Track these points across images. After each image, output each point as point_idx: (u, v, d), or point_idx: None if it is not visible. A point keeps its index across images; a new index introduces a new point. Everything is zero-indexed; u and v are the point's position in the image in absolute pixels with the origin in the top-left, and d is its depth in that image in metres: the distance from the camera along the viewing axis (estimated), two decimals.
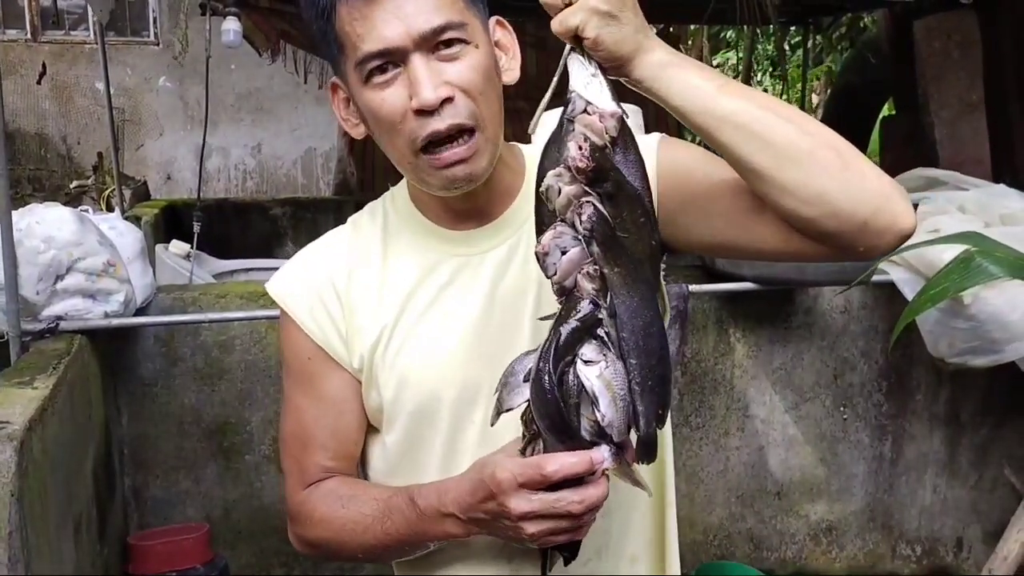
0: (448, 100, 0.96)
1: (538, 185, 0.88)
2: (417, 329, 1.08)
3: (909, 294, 2.57)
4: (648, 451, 0.88)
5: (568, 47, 0.89)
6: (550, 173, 0.87)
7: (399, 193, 1.15)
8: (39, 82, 8.01)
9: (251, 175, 8.64)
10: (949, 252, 2.41)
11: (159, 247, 3.96)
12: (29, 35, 8.12)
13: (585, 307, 0.87)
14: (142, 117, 8.34)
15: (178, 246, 3.99)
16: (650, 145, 1.06)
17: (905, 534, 3.11)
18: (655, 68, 0.88)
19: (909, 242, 0.95)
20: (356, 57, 0.97)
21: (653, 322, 0.87)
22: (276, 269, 1.18)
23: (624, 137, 0.87)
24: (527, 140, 1.15)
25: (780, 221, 0.94)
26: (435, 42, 0.96)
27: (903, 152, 4.48)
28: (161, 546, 2.52)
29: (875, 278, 2.61)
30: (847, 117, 6.04)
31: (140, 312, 2.52)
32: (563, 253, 0.87)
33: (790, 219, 0.93)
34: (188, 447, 2.71)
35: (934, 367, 2.90)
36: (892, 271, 2.69)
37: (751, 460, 3.00)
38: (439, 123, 0.96)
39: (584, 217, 0.85)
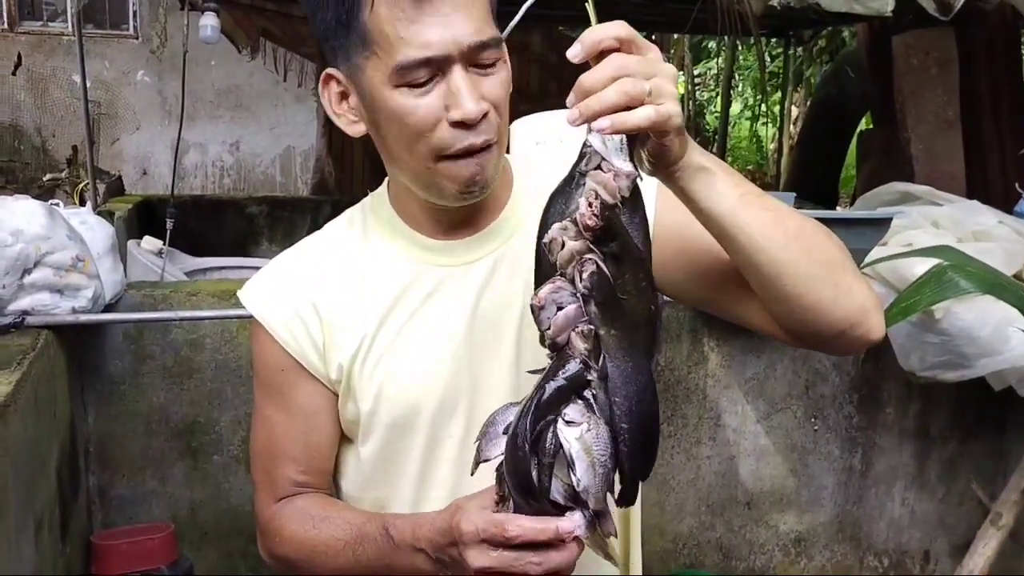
0: (484, 115, 0.96)
1: (541, 235, 0.86)
2: (398, 340, 1.06)
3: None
4: (627, 497, 0.88)
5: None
6: (555, 225, 0.85)
7: (379, 200, 1.12)
8: (14, 73, 7.92)
9: (228, 172, 8.58)
10: (921, 266, 2.43)
11: (131, 243, 3.91)
12: (6, 25, 8.02)
13: (573, 366, 0.85)
14: (119, 111, 8.26)
15: (150, 242, 3.94)
16: (649, 190, 1.06)
17: (873, 546, 3.13)
18: (692, 170, 0.89)
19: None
20: (395, 61, 0.94)
21: (647, 388, 0.86)
22: (250, 268, 1.17)
23: (633, 198, 0.85)
24: None
25: (763, 306, 0.99)
26: (477, 56, 0.95)
27: (879, 166, 4.52)
28: (125, 546, 2.48)
29: None
30: (825, 130, 6.10)
31: (109, 308, 2.48)
32: (559, 308, 0.85)
33: (775, 317, 0.99)
34: (155, 446, 2.67)
35: (905, 380, 2.92)
36: None
37: (722, 469, 3.00)
38: (475, 137, 0.96)
39: (585, 275, 0.83)
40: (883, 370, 2.98)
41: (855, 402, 3.03)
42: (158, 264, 3.62)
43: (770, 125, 9.36)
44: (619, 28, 0.83)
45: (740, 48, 8.41)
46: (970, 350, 2.53)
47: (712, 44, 9.82)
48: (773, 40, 7.11)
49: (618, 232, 0.84)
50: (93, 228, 2.51)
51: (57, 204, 2.49)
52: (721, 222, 0.91)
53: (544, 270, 0.87)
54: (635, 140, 0.85)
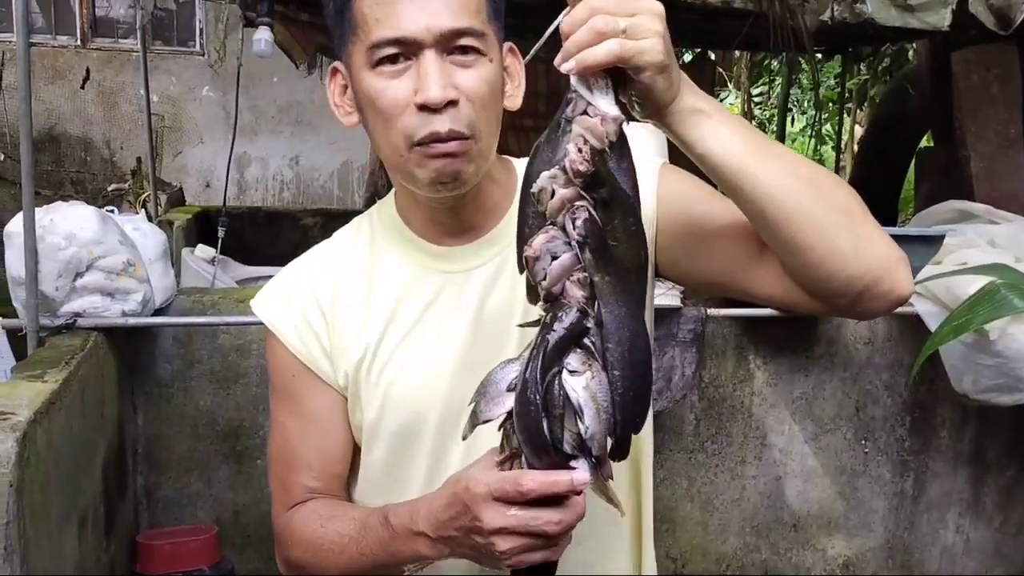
0: (452, 103, 0.95)
1: (528, 185, 0.85)
2: (402, 347, 1.06)
3: (934, 326, 2.52)
4: (621, 450, 0.85)
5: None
6: (544, 174, 0.83)
7: (385, 207, 1.14)
8: (83, 87, 8.17)
9: (288, 185, 8.74)
10: (975, 284, 2.36)
11: (185, 251, 4.01)
12: (79, 41, 8.30)
13: (572, 315, 0.83)
14: (183, 125, 8.47)
15: (204, 250, 4.03)
16: (651, 169, 1.05)
17: (925, 573, 3.03)
18: (685, 114, 0.87)
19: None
20: (369, 40, 0.96)
21: (639, 334, 0.85)
22: None
23: (620, 144, 0.84)
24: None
25: (781, 271, 0.95)
26: (452, 44, 0.95)
27: (939, 185, 4.41)
28: (169, 546, 2.52)
29: (900, 310, 2.56)
30: (885, 148, 5.97)
31: (159, 312, 2.54)
32: (554, 258, 0.83)
33: (793, 274, 0.94)
34: (201, 449, 2.72)
35: (959, 403, 2.83)
36: (917, 303, 2.63)
37: (768, 490, 2.95)
38: (440, 124, 0.95)
39: (579, 223, 0.82)
40: (936, 392, 2.90)
41: (907, 425, 2.95)
42: (210, 271, 3.70)
43: (829, 144, 9.22)
44: None
45: (803, 66, 8.30)
46: None
47: (774, 63, 9.71)
48: (837, 58, 6.99)
49: (607, 178, 0.82)
50: (146, 235, 2.58)
51: (112, 210, 2.56)
52: (724, 168, 0.88)
53: (528, 221, 0.85)
54: (619, 83, 0.83)
